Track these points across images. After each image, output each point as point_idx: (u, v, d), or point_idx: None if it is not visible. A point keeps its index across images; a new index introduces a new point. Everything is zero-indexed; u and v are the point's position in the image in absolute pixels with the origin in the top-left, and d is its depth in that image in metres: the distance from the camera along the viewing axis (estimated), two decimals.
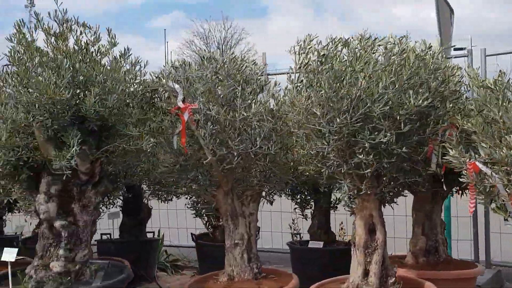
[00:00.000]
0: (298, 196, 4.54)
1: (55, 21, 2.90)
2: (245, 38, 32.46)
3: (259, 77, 3.37)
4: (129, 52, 3.02)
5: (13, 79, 2.78)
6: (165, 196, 4.69)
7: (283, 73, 5.08)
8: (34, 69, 2.70)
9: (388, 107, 2.61)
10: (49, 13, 2.91)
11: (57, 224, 3.04)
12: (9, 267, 2.97)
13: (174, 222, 6.43)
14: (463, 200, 3.81)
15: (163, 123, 3.14)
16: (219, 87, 3.21)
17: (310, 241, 4.43)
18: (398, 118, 2.66)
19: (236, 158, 3.13)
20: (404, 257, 4.04)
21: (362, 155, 2.68)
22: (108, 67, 2.97)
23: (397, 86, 2.64)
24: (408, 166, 3.00)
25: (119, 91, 2.84)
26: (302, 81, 2.83)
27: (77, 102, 2.87)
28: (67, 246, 3.07)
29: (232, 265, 3.46)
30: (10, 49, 2.82)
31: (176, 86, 3.05)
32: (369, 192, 3.03)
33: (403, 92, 2.69)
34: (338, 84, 2.64)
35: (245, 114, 3.11)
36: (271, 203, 4.22)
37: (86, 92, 2.83)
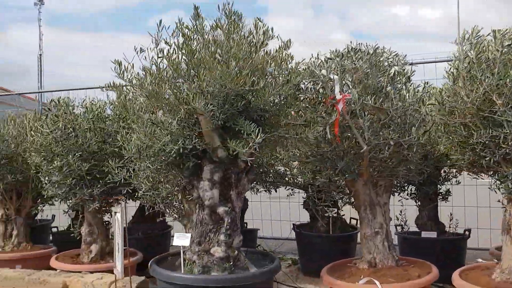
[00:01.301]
0: (409, 188, 4.59)
1: (225, 13, 2.98)
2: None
3: (402, 67, 3.42)
4: (289, 45, 3.08)
5: (189, 69, 2.88)
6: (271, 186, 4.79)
7: (428, 62, 5.12)
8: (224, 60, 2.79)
9: None
10: (218, 6, 2.99)
11: (221, 210, 3.13)
12: (181, 252, 3.07)
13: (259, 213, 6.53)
14: None
15: (317, 113, 3.21)
16: (369, 78, 3.27)
17: (422, 232, 4.48)
18: None
19: (389, 147, 3.20)
20: None
21: None
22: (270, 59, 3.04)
23: None
24: None
25: (290, 82, 2.91)
26: (469, 70, 2.88)
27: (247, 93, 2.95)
28: (227, 232, 3.16)
29: (374, 252, 3.53)
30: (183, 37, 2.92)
31: (335, 77, 3.12)
32: None
33: None
34: None
35: (400, 103, 3.17)
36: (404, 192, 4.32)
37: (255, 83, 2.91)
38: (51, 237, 5.93)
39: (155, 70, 2.95)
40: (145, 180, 3.51)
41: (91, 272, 4.15)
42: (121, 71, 2.99)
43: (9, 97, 9.13)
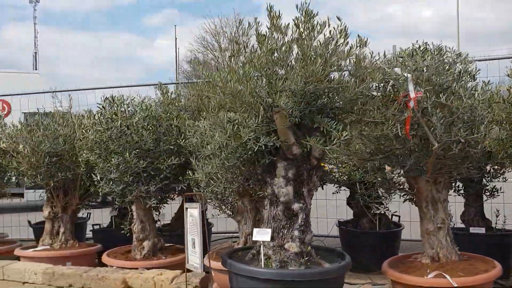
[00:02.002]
0: (457, 184, 4.66)
1: (303, 12, 3.03)
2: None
3: (466, 66, 3.48)
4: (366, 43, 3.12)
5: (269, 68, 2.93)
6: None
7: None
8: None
9: None
10: (296, 5, 3.04)
11: (296, 206, 3.18)
12: (262, 247, 3.13)
13: None
14: None
15: (389, 110, 3.27)
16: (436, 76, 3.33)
17: (470, 227, 4.56)
18: None
19: (457, 145, 3.26)
20: None
21: None
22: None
23: None
24: None
25: (367, 80, 2.97)
26: None
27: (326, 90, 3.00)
28: (301, 228, 3.21)
29: (436, 247, 3.59)
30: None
31: (408, 75, 3.17)
32: None
33: None
34: None
35: (470, 101, 3.23)
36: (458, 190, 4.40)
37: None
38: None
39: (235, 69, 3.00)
40: (210, 176, 3.56)
41: (147, 268, 4.21)
42: (200, 69, 3.04)
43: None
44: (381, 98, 3.24)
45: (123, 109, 4.37)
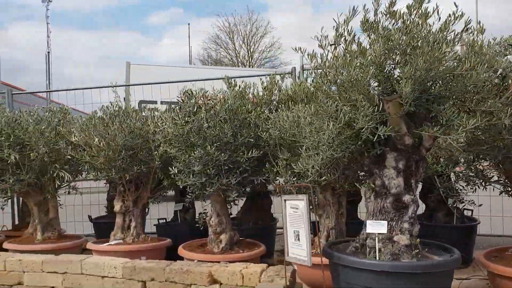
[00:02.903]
0: None
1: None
2: (270, 32, 32.78)
3: None
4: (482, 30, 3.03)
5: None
6: None
7: None
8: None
9: None
10: None
11: (407, 198, 3.11)
12: (377, 240, 3.06)
13: None
14: None
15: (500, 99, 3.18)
16: None
17: None
18: None
19: None
20: None
21: None
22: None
23: None
24: None
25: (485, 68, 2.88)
26: None
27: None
28: (411, 220, 3.14)
29: None
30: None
31: None
32: None
33: None
34: None
35: None
36: None
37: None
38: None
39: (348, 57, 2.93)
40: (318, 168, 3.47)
41: (230, 262, 4.16)
42: (312, 57, 2.98)
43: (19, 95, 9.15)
44: (492, 87, 3.15)
45: (202, 102, 4.33)
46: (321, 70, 3.07)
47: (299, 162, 3.22)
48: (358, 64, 2.83)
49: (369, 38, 3.03)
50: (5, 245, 5.15)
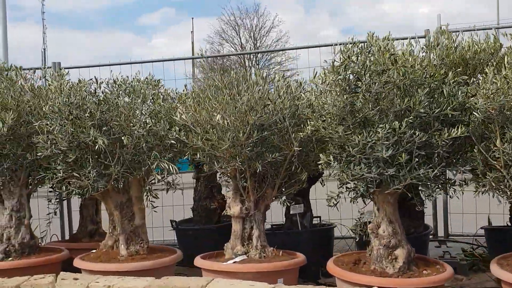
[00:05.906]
0: None
1: None
2: (278, 26, 31.56)
3: None
4: None
5: None
6: None
7: None
8: None
9: None
10: None
11: None
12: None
13: None
14: None
15: None
16: None
17: None
18: None
19: None
20: None
21: None
22: None
23: None
24: None
25: None
26: None
27: None
28: None
29: None
30: None
31: None
32: None
33: None
34: None
35: None
36: None
37: None
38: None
39: None
40: None
41: None
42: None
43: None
44: None
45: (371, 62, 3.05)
46: None
47: None
48: None
49: None
50: (77, 262, 3.85)
